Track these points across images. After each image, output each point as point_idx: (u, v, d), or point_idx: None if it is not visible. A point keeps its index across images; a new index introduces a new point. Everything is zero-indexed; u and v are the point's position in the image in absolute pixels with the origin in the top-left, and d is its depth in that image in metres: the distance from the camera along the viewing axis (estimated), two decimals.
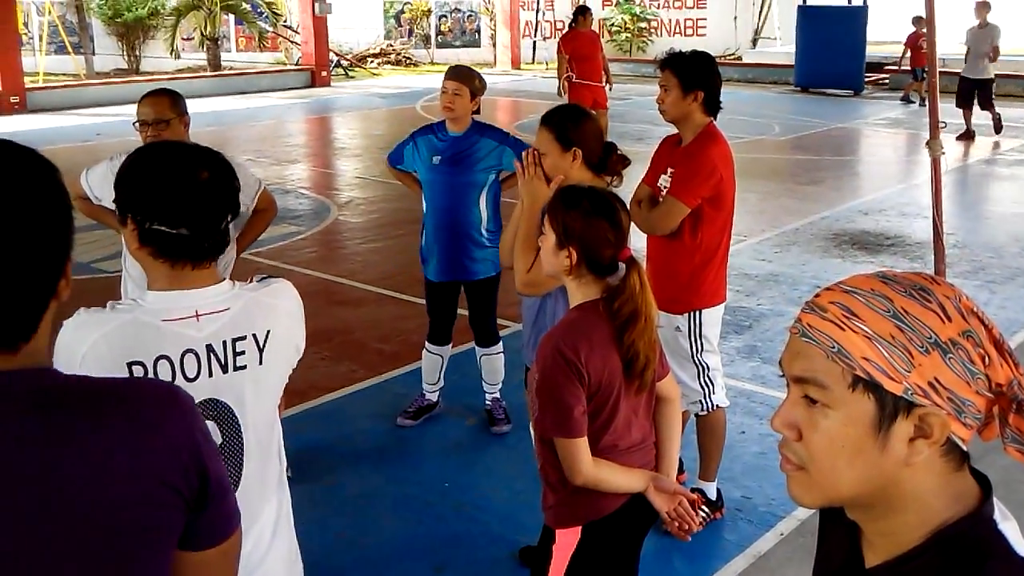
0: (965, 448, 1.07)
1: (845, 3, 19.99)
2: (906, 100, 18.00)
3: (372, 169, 11.58)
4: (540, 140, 3.15)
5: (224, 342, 1.91)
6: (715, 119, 3.75)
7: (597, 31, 15.50)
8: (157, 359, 1.85)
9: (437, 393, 4.86)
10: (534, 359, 3.16)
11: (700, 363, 3.80)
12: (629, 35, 26.29)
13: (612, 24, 26.20)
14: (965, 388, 1.04)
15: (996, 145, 13.68)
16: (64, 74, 21.84)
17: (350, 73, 23.99)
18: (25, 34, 19.99)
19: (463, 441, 4.69)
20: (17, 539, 1.18)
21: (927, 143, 5.54)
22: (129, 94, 18.77)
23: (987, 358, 1.05)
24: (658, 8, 26.80)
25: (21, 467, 1.19)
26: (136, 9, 23.62)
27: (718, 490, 3.99)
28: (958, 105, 13.64)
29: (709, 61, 3.77)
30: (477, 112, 4.48)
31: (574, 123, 3.16)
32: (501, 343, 4.77)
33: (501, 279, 4.62)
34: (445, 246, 4.49)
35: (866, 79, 20.04)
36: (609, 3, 26.66)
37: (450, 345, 4.80)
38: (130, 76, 22.46)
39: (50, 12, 22.62)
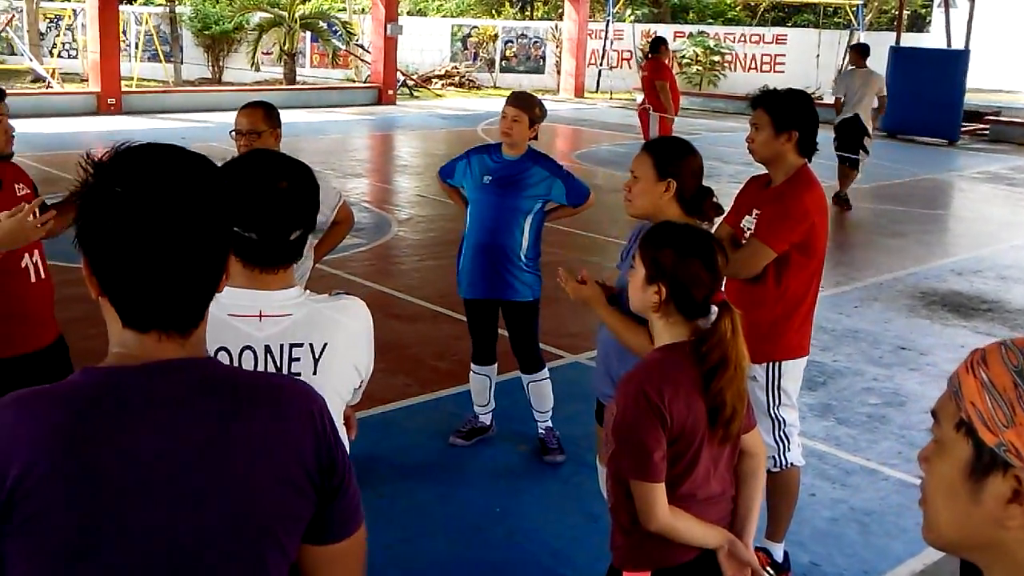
0: None
1: (944, 46, 18.44)
2: None
3: (432, 188, 11.49)
4: (638, 163, 2.97)
5: (282, 345, 1.87)
6: (810, 161, 3.44)
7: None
8: (218, 349, 1.80)
9: (490, 415, 4.70)
10: (609, 394, 3.04)
11: (776, 417, 3.45)
12: (700, 69, 25.00)
13: (683, 57, 24.88)
14: None
15: None
16: (155, 80, 22.08)
17: (415, 93, 23.99)
18: (123, 42, 20.24)
19: (515, 467, 4.51)
20: (174, 516, 1.22)
21: None
22: (211, 102, 19.01)
23: None
24: (733, 42, 25.23)
25: (187, 449, 1.23)
26: (223, 23, 23.88)
27: (785, 552, 3.64)
28: None
29: (806, 100, 3.46)
30: (534, 139, 4.35)
31: (675, 154, 2.96)
32: (546, 369, 4.59)
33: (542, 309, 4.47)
34: (482, 264, 4.35)
35: (963, 128, 17.75)
36: (682, 35, 25.49)
37: (495, 365, 4.64)
38: (213, 85, 22.69)
39: (147, 22, 22.91)
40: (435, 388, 5.40)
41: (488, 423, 4.72)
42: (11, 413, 1.21)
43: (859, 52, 11.95)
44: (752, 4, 30.34)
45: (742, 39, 25.46)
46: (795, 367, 3.51)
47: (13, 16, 21.87)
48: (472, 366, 4.65)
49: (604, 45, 25.15)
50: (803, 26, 28.88)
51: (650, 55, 12.76)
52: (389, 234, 9.31)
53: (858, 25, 24.37)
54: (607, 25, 25.00)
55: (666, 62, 12.29)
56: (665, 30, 25.45)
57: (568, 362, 5.78)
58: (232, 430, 1.27)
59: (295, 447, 1.31)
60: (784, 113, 3.35)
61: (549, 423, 4.59)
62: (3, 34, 21.19)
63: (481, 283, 4.40)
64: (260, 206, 1.83)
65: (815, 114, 3.45)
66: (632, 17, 28.09)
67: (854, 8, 25.17)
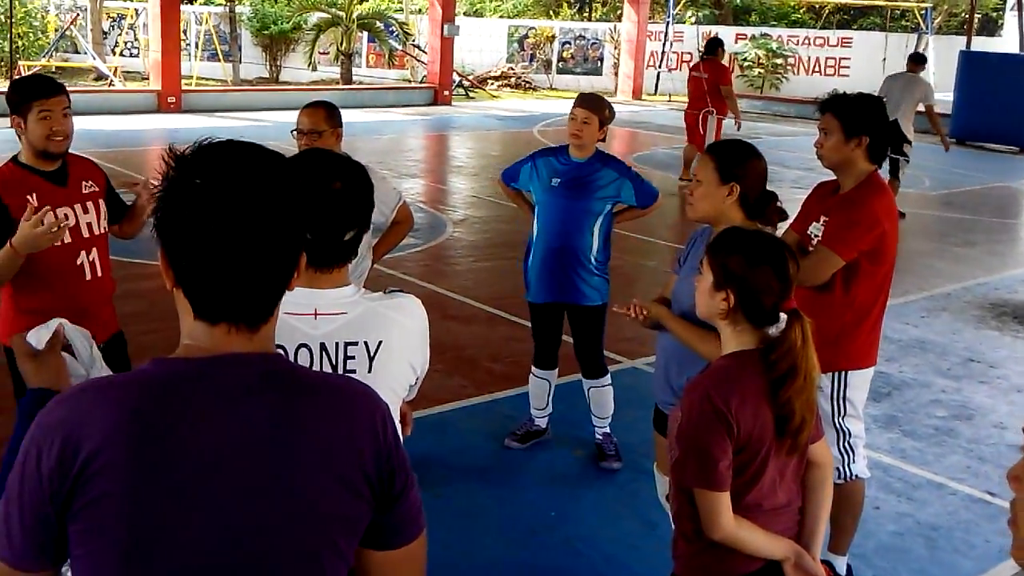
0: None
1: (1016, 50, 18.11)
2: None
3: (487, 189, 11.54)
4: (700, 167, 2.95)
5: (337, 343, 1.88)
6: (880, 168, 3.39)
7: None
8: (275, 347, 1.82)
9: (546, 419, 4.71)
10: (669, 402, 3.04)
11: (841, 428, 3.39)
12: (762, 71, 24.71)
13: (744, 59, 24.63)
14: None
15: None
16: (213, 79, 22.51)
17: (470, 94, 24.11)
18: (184, 41, 20.69)
19: (570, 472, 4.51)
20: (231, 509, 1.24)
21: None
22: (269, 101, 19.33)
23: None
24: (797, 45, 24.88)
25: (248, 443, 1.25)
26: (281, 23, 24.27)
27: (848, 566, 3.59)
28: None
29: (877, 105, 3.40)
30: (603, 141, 4.33)
31: (739, 158, 2.93)
32: (609, 375, 4.59)
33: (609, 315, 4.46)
34: (552, 267, 4.34)
35: None
36: (743, 37, 25.23)
37: (556, 370, 4.64)
38: (270, 85, 23.07)
39: (207, 22, 23.39)
40: (490, 390, 5.43)
41: (544, 427, 4.72)
42: (85, 399, 1.25)
43: (914, 60, 11.77)
44: (816, 6, 29.94)
45: (806, 42, 25.09)
46: (862, 377, 3.46)
47: (78, 15, 22.47)
48: (533, 369, 4.65)
49: (663, 47, 24.89)
50: (869, 29, 28.40)
51: (706, 56, 12.52)
52: (444, 235, 9.37)
53: (926, 29, 23.89)
54: (667, 26, 24.83)
55: (724, 63, 12.11)
56: (727, 32, 25.21)
57: (625, 367, 5.76)
58: (294, 427, 1.28)
59: (355, 450, 1.32)
60: (854, 118, 3.31)
61: (607, 429, 4.58)
62: (68, 33, 21.75)
63: (550, 287, 4.39)
64: (315, 206, 1.85)
65: (886, 119, 3.41)
66: (693, 19, 27.89)
67: (922, 11, 24.67)
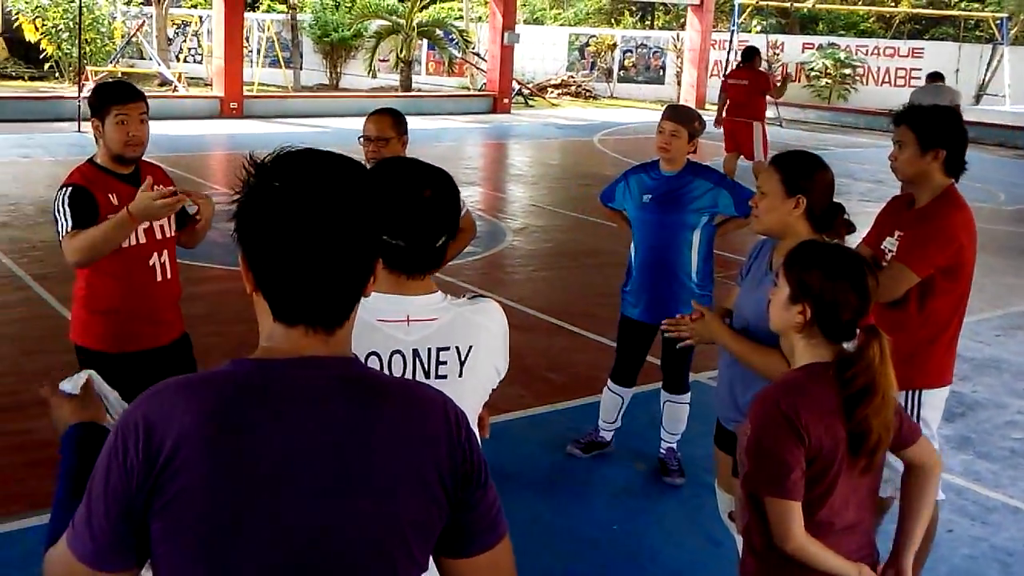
0: None
1: None
2: None
3: (547, 197, 11.59)
4: (765, 179, 2.91)
5: (429, 349, 1.92)
6: (957, 181, 3.32)
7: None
8: (368, 354, 1.86)
9: (612, 433, 4.69)
10: (733, 418, 3.02)
11: None
12: (830, 82, 24.46)
13: (811, 69, 24.44)
14: None
15: None
16: (274, 85, 22.93)
17: (530, 102, 24.21)
18: (246, 48, 21.14)
19: (632, 486, 4.49)
20: (306, 510, 1.26)
21: None
22: (328, 108, 19.63)
23: None
24: (866, 55, 24.54)
25: (324, 445, 1.28)
26: (342, 31, 24.65)
27: None
28: None
29: (954, 117, 3.33)
30: (693, 153, 4.26)
31: (806, 169, 2.89)
32: (689, 394, 4.51)
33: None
34: (652, 286, 4.29)
35: None
36: (810, 46, 24.98)
37: (633, 388, 4.60)
38: (330, 92, 23.42)
39: (269, 29, 23.85)
40: (550, 401, 5.43)
41: (608, 439, 4.71)
42: (168, 396, 1.29)
43: (932, 77, 11.92)
44: (887, 16, 29.48)
45: (875, 52, 24.74)
46: (937, 396, 3.40)
47: (144, 22, 23.08)
48: (609, 383, 4.61)
49: (728, 56, 24.67)
50: (941, 39, 27.88)
51: (742, 64, 12.46)
52: (503, 243, 9.41)
53: (1001, 39, 23.36)
54: (731, 35, 24.60)
55: (762, 70, 12.06)
56: (793, 41, 24.99)
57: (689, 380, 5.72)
58: (368, 430, 1.31)
59: (430, 453, 1.34)
60: (930, 130, 3.25)
61: (673, 445, 4.55)
62: (134, 39, 22.35)
63: (649, 307, 4.31)
64: (406, 215, 1.89)
65: (964, 132, 3.33)
66: (758, 28, 27.65)
67: (998, 21, 24.15)
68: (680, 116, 4.24)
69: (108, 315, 3.43)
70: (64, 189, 3.30)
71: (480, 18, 27.43)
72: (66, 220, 3.24)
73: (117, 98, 3.34)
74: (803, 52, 24.73)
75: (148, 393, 1.32)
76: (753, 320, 2.89)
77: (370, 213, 1.34)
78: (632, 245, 4.42)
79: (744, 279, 3.09)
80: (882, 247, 3.37)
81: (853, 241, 3.45)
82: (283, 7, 25.68)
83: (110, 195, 3.32)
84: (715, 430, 3.25)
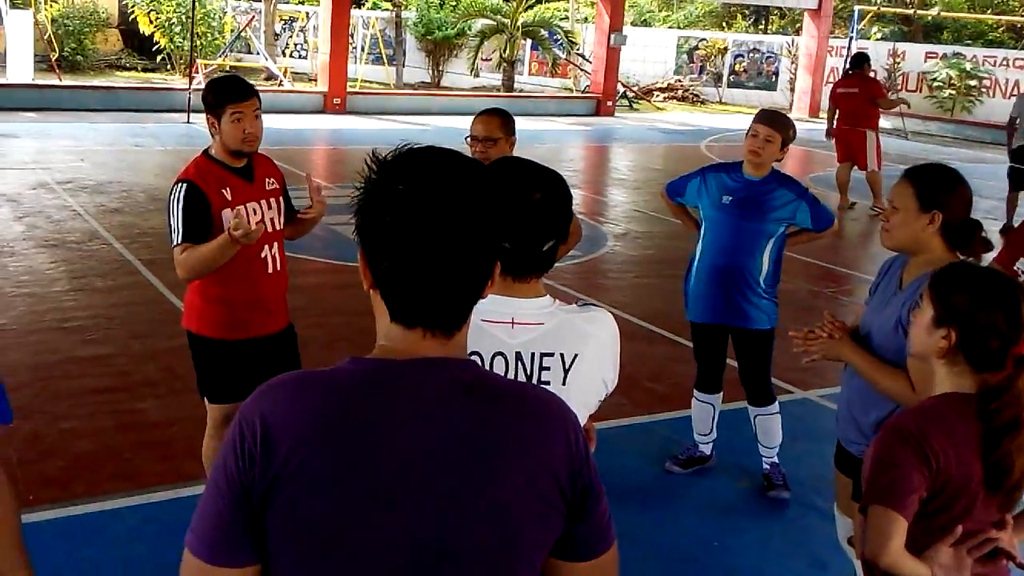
0: None
1: None
2: None
3: (650, 203, 11.49)
4: (898, 193, 2.82)
5: (533, 354, 1.91)
6: None
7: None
8: (471, 353, 1.84)
9: (710, 445, 4.64)
10: (854, 440, 2.94)
11: None
12: (954, 93, 23.56)
13: (934, 79, 23.65)
14: None
15: None
16: (376, 82, 23.38)
17: (635, 105, 24.10)
18: (351, 44, 21.61)
19: (734, 503, 4.42)
20: (423, 512, 1.26)
21: None
22: (430, 105, 19.92)
23: None
24: (993, 66, 23.55)
25: (442, 447, 1.28)
26: (446, 29, 24.98)
27: None
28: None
29: None
30: (780, 161, 4.24)
31: (942, 184, 2.80)
32: (776, 403, 4.46)
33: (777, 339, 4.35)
34: (717, 286, 4.28)
35: None
36: (934, 56, 24.17)
37: (720, 394, 4.56)
38: (432, 89, 23.76)
39: (373, 26, 24.34)
40: (650, 410, 5.39)
41: (708, 453, 4.65)
42: (287, 393, 1.31)
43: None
44: (1017, 25, 28.37)
45: (1004, 63, 23.77)
46: None
47: (253, 17, 23.79)
48: (695, 392, 4.59)
49: (845, 63, 24.18)
50: None
51: (852, 71, 12.17)
52: (604, 248, 9.38)
53: None
54: (849, 42, 23.98)
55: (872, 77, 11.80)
56: (916, 50, 24.25)
57: (797, 398, 5.61)
58: (487, 434, 1.30)
59: (548, 460, 1.33)
60: None
61: (775, 459, 4.47)
62: (243, 34, 23.07)
63: (714, 307, 4.34)
64: (514, 216, 1.87)
65: None
66: (879, 35, 26.93)
67: None
68: (776, 122, 4.21)
69: (221, 304, 3.56)
70: (180, 186, 3.42)
71: (586, 19, 27.44)
72: (179, 228, 3.37)
73: (233, 96, 3.44)
74: (926, 61, 23.92)
75: (266, 388, 1.33)
76: (879, 339, 2.82)
77: (492, 216, 1.34)
78: (699, 244, 4.38)
79: (872, 297, 3.02)
80: (1016, 267, 3.28)
81: (983, 262, 3.34)
82: (388, 4, 26.14)
83: (223, 190, 3.44)
84: (835, 450, 3.16)
